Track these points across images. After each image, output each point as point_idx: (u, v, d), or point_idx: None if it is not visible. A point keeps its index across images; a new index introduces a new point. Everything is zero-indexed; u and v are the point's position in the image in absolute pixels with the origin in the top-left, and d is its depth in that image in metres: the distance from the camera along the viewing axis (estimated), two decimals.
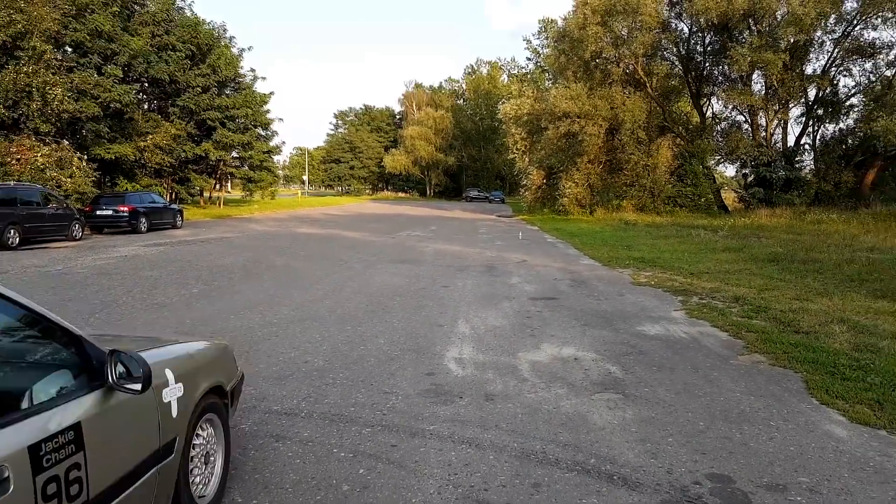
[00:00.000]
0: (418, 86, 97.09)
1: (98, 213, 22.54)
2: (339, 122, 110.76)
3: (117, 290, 10.29)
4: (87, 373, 2.46)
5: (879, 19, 31.96)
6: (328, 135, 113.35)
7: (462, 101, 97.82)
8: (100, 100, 26.20)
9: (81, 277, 11.69)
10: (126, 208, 22.63)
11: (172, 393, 2.90)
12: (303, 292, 10.46)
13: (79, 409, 2.31)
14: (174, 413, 2.89)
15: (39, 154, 22.88)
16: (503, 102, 52.62)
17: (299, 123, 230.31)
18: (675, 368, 6.11)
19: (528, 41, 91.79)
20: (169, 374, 2.92)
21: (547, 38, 53.08)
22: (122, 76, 28.24)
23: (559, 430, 4.52)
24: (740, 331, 7.60)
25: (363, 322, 8.16)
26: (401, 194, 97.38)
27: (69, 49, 27.75)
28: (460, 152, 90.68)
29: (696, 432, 4.50)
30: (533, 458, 4.06)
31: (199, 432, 3.26)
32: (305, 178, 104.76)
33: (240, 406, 4.83)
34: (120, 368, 2.50)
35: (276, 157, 50.85)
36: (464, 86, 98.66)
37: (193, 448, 3.16)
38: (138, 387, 2.47)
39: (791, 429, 4.57)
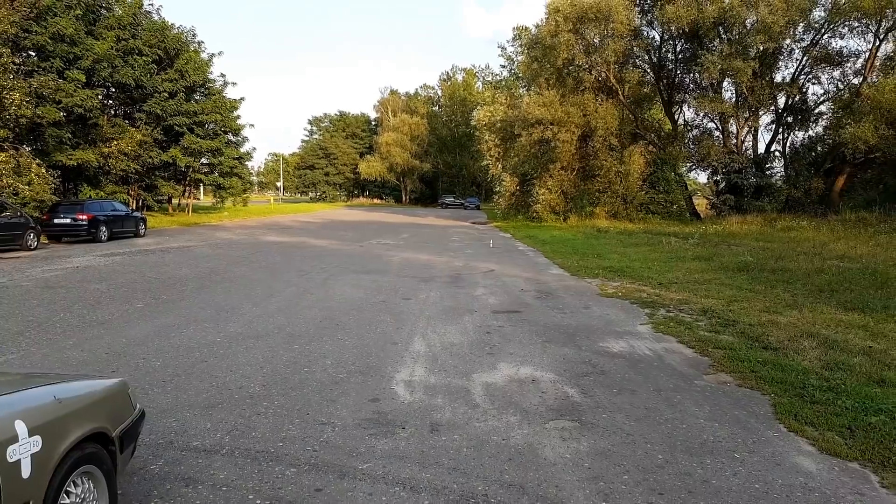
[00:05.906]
0: (393, 92, 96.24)
1: (56, 221, 21.76)
2: (314, 128, 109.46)
3: (58, 305, 9.71)
4: None
5: (846, 28, 32.34)
6: (303, 141, 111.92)
7: (437, 107, 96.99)
8: (62, 105, 25.40)
9: (23, 291, 11.06)
10: (85, 216, 21.87)
11: (23, 449, 2.42)
12: (255, 306, 9.96)
13: None
14: (25, 473, 2.41)
15: None
16: (478, 109, 52.35)
17: (274, 129, 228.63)
18: (636, 391, 5.73)
19: (503, 48, 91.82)
20: (19, 427, 2.44)
21: (521, 46, 52.98)
22: (85, 81, 27.42)
23: (505, 467, 4.10)
24: (707, 347, 7.25)
25: (313, 340, 7.69)
26: (376, 201, 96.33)
27: (30, 53, 26.90)
28: (436, 159, 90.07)
29: (655, 467, 4.12)
30: (472, 502, 3.64)
31: (71, 489, 2.76)
32: (280, 184, 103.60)
33: (155, 443, 4.38)
34: None
35: (248, 164, 49.97)
36: (439, 92, 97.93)
37: None
38: None
39: (756, 461, 4.21)
